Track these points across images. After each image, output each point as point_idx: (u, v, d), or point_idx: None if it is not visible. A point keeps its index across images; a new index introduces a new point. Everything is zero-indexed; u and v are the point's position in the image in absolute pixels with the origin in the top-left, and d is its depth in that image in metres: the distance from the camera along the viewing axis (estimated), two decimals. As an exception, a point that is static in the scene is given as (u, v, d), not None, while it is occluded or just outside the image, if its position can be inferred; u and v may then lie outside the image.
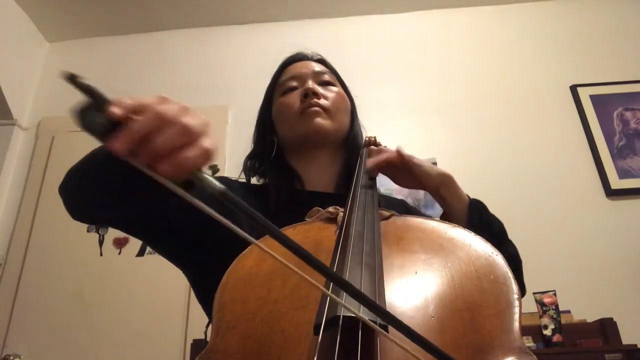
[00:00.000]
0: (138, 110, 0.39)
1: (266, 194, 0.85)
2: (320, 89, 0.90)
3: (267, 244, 0.36)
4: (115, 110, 0.38)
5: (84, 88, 0.37)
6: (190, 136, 0.40)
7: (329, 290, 0.42)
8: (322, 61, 1.00)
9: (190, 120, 0.41)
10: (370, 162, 0.78)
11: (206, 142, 0.41)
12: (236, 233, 0.35)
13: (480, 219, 0.73)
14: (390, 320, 0.35)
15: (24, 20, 2.63)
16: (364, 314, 0.38)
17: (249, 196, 0.84)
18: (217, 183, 0.37)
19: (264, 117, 0.97)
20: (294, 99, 0.90)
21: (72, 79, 0.36)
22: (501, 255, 0.54)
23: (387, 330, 0.38)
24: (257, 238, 0.37)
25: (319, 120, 0.87)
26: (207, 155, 0.41)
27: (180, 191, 0.37)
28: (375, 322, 0.37)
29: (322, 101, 0.88)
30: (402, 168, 0.78)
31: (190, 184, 0.39)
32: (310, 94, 0.87)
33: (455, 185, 0.77)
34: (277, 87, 0.95)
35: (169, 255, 0.81)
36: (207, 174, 0.39)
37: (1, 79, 2.36)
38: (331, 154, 0.92)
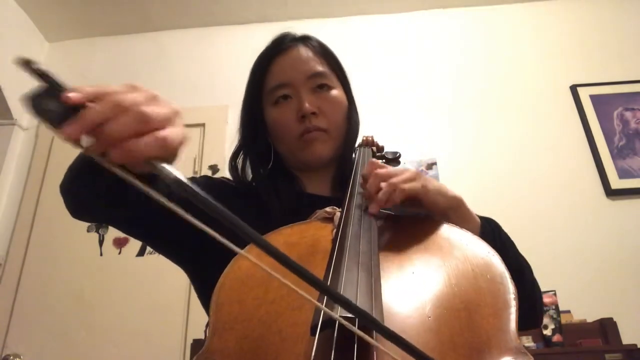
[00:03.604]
0: (96, 97, 0.38)
1: (261, 197, 0.83)
2: (315, 102, 0.83)
3: (256, 251, 0.36)
4: (70, 96, 0.36)
5: (39, 74, 0.35)
6: (146, 124, 0.38)
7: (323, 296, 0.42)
8: (308, 43, 0.90)
9: (149, 109, 0.39)
10: (372, 209, 0.65)
11: (165, 132, 0.39)
12: (215, 239, 0.33)
13: (494, 243, 0.63)
14: (383, 331, 0.35)
15: (24, 20, 2.63)
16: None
17: (249, 200, 0.83)
18: (174, 173, 0.35)
19: (255, 119, 0.89)
20: (289, 115, 0.83)
21: (27, 64, 0.34)
22: (498, 255, 0.54)
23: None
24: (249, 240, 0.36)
25: (320, 147, 0.83)
26: (164, 144, 0.39)
27: (134, 182, 0.35)
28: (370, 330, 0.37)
29: (321, 122, 0.83)
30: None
31: (153, 177, 0.38)
32: (307, 115, 0.81)
33: (465, 209, 0.69)
34: (265, 91, 0.87)
35: (170, 254, 0.80)
36: (165, 165, 0.37)
37: (1, 79, 2.37)
38: (330, 163, 0.89)
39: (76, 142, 0.37)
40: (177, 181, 0.35)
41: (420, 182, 0.64)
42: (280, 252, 0.33)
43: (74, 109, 0.36)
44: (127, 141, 0.37)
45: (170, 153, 0.41)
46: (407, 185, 0.63)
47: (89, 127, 0.37)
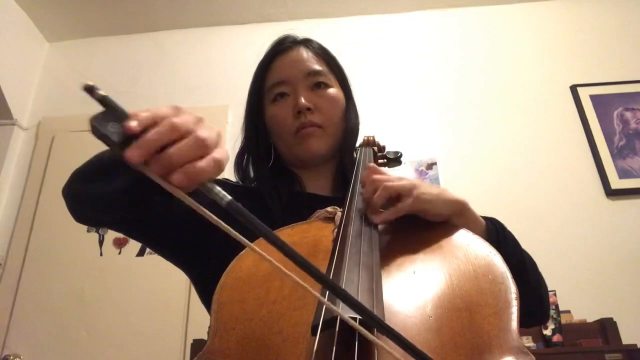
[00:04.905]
0: (154, 122, 0.40)
1: (262, 196, 0.83)
2: (312, 99, 0.85)
3: (263, 247, 0.36)
4: (131, 126, 0.38)
5: (100, 99, 0.38)
6: (203, 148, 0.41)
7: (326, 293, 0.42)
8: (310, 46, 0.92)
9: (204, 133, 0.41)
10: (379, 218, 0.64)
11: (218, 154, 0.42)
12: (235, 237, 0.36)
13: (498, 242, 0.64)
14: (386, 330, 0.35)
15: (24, 20, 2.63)
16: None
17: (251, 200, 0.83)
18: (225, 194, 0.38)
19: (256, 118, 0.91)
20: (286, 111, 0.85)
21: (90, 91, 0.37)
22: (499, 255, 0.54)
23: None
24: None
25: (315, 142, 0.84)
26: (219, 167, 0.42)
27: (189, 201, 0.38)
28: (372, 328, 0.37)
29: (316, 117, 0.84)
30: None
31: (195, 191, 0.40)
32: (303, 111, 0.83)
33: (469, 212, 0.67)
34: (266, 90, 0.89)
35: (171, 257, 0.80)
36: (216, 186, 0.39)
37: (1, 79, 2.36)
38: (328, 160, 0.90)
39: (138, 164, 0.38)
40: (230, 203, 0.37)
41: (412, 196, 0.62)
42: (303, 258, 0.35)
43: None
44: (188, 165, 0.39)
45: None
46: (416, 203, 0.62)
47: (151, 151, 0.39)
